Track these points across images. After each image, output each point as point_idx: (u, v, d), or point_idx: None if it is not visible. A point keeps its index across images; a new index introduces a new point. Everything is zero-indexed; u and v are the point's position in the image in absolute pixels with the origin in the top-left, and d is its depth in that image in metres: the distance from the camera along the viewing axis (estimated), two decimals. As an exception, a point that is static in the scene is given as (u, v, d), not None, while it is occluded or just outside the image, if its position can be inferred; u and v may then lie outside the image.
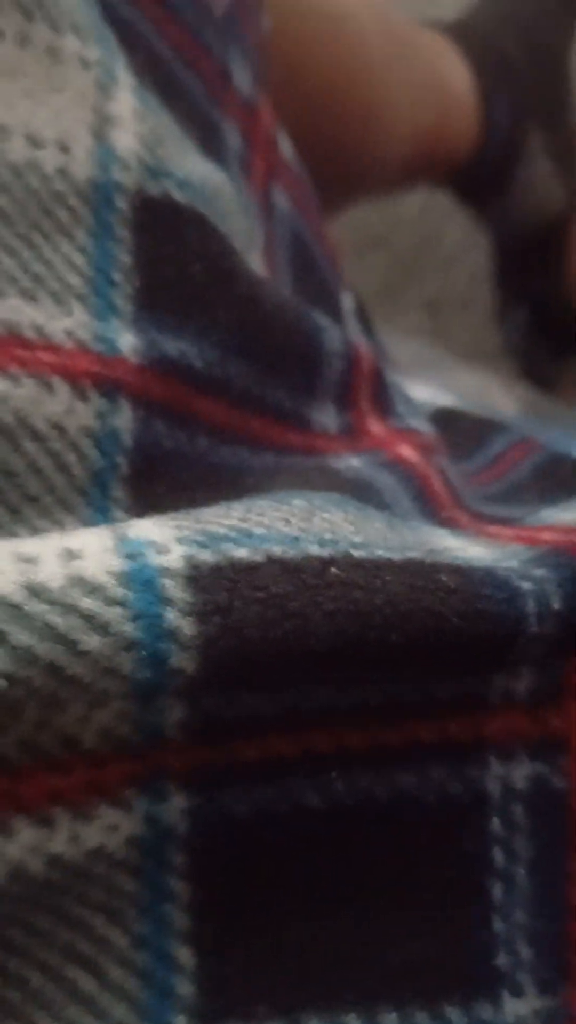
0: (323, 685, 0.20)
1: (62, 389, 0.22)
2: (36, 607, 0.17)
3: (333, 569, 0.19)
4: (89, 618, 0.18)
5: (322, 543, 0.20)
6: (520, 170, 0.68)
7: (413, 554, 0.20)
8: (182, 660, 0.18)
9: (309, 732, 0.20)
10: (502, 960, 0.20)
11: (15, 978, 0.18)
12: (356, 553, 0.20)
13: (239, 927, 0.19)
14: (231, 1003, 0.19)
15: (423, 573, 0.20)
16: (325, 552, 0.19)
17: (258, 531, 0.20)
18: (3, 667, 0.17)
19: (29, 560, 0.18)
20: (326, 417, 0.28)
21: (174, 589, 0.18)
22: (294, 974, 0.19)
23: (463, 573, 0.20)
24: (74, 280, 0.24)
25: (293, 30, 0.49)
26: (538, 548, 0.22)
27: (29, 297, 0.23)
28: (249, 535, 0.19)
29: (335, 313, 0.32)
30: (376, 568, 0.19)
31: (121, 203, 0.25)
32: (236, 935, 0.19)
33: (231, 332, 0.25)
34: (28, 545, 0.18)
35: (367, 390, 0.30)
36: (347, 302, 0.34)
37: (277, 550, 0.19)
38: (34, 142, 0.25)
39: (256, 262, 0.29)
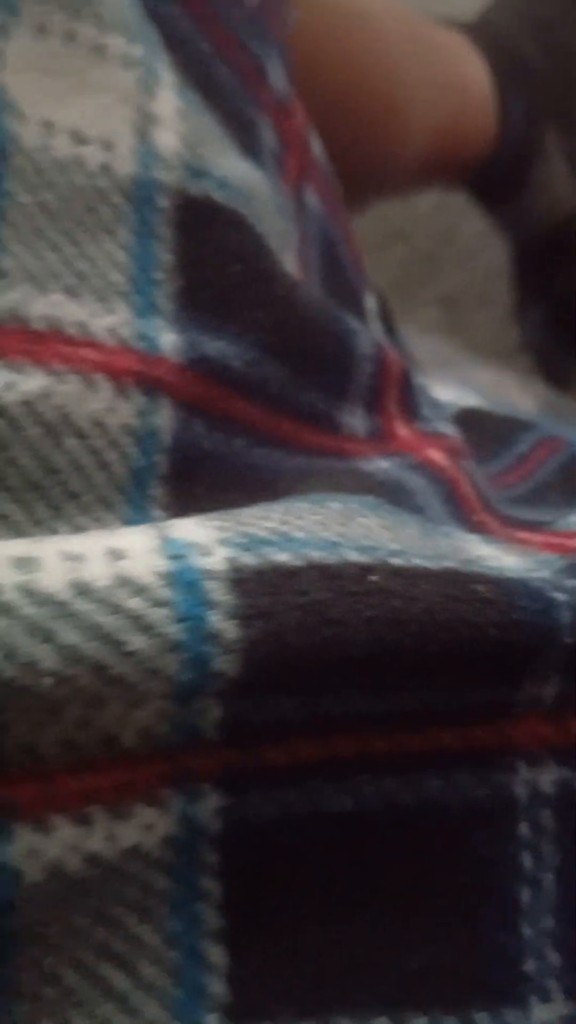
0: (355, 692, 0.20)
1: (104, 387, 0.22)
2: (83, 606, 0.18)
3: (372, 576, 0.19)
4: (135, 619, 0.18)
5: (361, 549, 0.20)
6: (536, 171, 0.68)
7: (449, 563, 0.21)
8: (224, 663, 0.18)
9: (335, 737, 0.20)
10: (530, 966, 0.20)
11: (50, 975, 0.18)
12: (394, 561, 0.20)
13: (270, 927, 0.19)
14: (262, 1003, 0.19)
15: (460, 583, 0.20)
16: (364, 559, 0.20)
17: (298, 535, 0.20)
18: (50, 665, 0.17)
19: (75, 558, 0.18)
20: (355, 420, 0.29)
21: (218, 592, 0.18)
22: (324, 976, 0.19)
23: (499, 584, 0.20)
24: (116, 278, 0.24)
25: (313, 26, 0.49)
26: (570, 557, 0.23)
27: (72, 294, 0.23)
28: (289, 539, 0.20)
29: (360, 315, 0.33)
30: (414, 577, 0.20)
31: (163, 202, 0.25)
32: (267, 935, 0.19)
33: (268, 333, 0.25)
34: (73, 543, 0.19)
35: (395, 394, 0.30)
36: (370, 303, 0.34)
37: (317, 555, 0.19)
38: (78, 139, 0.25)
39: (290, 263, 0.29)
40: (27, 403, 0.22)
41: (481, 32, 0.66)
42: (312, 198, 0.34)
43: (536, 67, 0.68)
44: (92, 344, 0.23)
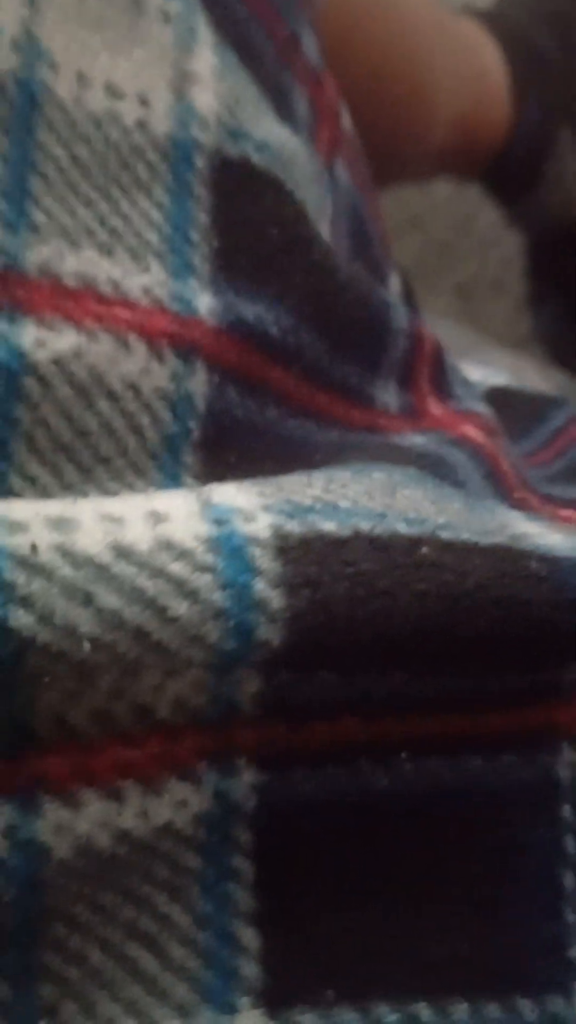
0: (400, 670, 0.19)
1: (139, 348, 0.22)
2: (124, 569, 0.17)
3: (423, 549, 0.19)
4: (179, 584, 0.17)
5: (408, 522, 0.19)
6: (549, 166, 0.67)
7: (498, 539, 0.20)
8: (268, 632, 0.17)
9: (380, 716, 0.19)
10: (574, 952, 0.20)
11: (75, 956, 0.17)
12: (443, 535, 0.19)
13: (304, 909, 0.19)
14: (298, 987, 0.18)
15: (512, 559, 0.19)
16: (413, 531, 0.19)
17: (343, 504, 0.19)
18: (89, 630, 0.16)
19: (114, 520, 0.17)
20: (388, 396, 0.28)
21: (263, 559, 0.18)
22: (362, 960, 0.19)
23: (552, 562, 0.19)
24: (151, 236, 0.23)
25: (344, 8, 0.49)
26: None
27: (105, 251, 0.22)
28: (335, 508, 0.19)
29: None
30: (465, 551, 0.19)
31: (200, 162, 0.24)
32: (302, 917, 0.19)
33: (306, 300, 0.25)
34: (112, 505, 0.18)
35: (428, 371, 0.29)
36: (395, 284, 0.33)
37: (365, 526, 0.19)
38: (114, 93, 0.24)
39: (326, 233, 0.28)
40: (58, 362, 0.21)
41: (497, 23, 0.66)
42: (342, 172, 0.33)
43: (551, 61, 0.67)
44: (126, 303, 0.22)
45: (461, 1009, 0.19)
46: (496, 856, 0.20)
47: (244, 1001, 0.18)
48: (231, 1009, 0.18)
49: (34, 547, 0.17)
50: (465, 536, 0.19)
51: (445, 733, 0.20)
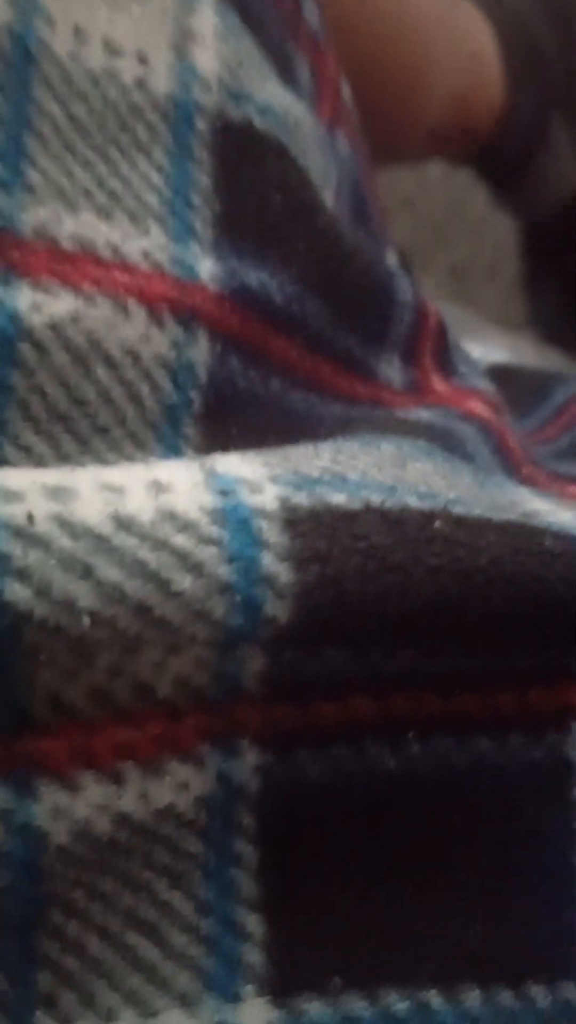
0: (410, 648, 0.18)
1: (138, 313, 0.21)
2: (125, 541, 0.16)
3: (437, 523, 0.18)
4: (182, 556, 0.16)
5: (420, 496, 0.18)
6: (542, 150, 0.67)
7: (510, 516, 0.19)
8: (276, 608, 0.17)
9: (388, 695, 0.19)
10: None
11: (73, 944, 0.17)
12: (456, 509, 0.18)
13: (309, 894, 0.18)
14: (304, 974, 0.17)
15: (526, 536, 0.18)
16: (425, 505, 0.18)
17: (353, 476, 0.18)
18: (88, 603, 0.16)
19: (115, 489, 0.17)
20: (392, 371, 0.27)
21: (270, 532, 0.17)
22: (370, 946, 0.18)
23: (566, 539, 0.19)
24: (151, 199, 0.22)
25: None
26: None
27: (104, 214, 0.21)
28: (344, 480, 0.18)
29: None
30: (479, 527, 0.18)
31: (201, 124, 0.23)
32: (307, 903, 0.18)
33: (310, 268, 0.24)
34: (113, 474, 0.17)
35: (431, 347, 0.29)
36: (392, 260, 0.32)
37: (376, 499, 0.18)
38: (112, 50, 0.23)
39: (329, 201, 0.27)
40: (55, 327, 0.20)
41: (492, 7, 0.65)
42: (343, 144, 0.32)
43: (546, 45, 0.67)
44: (125, 267, 0.21)
45: (472, 996, 0.18)
46: (506, 840, 0.19)
47: (248, 989, 0.17)
48: (235, 998, 0.17)
49: (31, 517, 0.16)
50: (477, 511, 0.19)
51: (454, 713, 0.19)
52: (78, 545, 0.16)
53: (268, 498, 0.17)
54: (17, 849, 0.16)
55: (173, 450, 0.21)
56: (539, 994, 0.18)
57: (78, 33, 0.23)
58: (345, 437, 0.21)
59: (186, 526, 0.16)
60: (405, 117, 0.57)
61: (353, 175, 0.32)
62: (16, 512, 0.16)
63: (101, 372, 0.20)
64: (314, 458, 0.19)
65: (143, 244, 0.22)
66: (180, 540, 0.16)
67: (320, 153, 0.28)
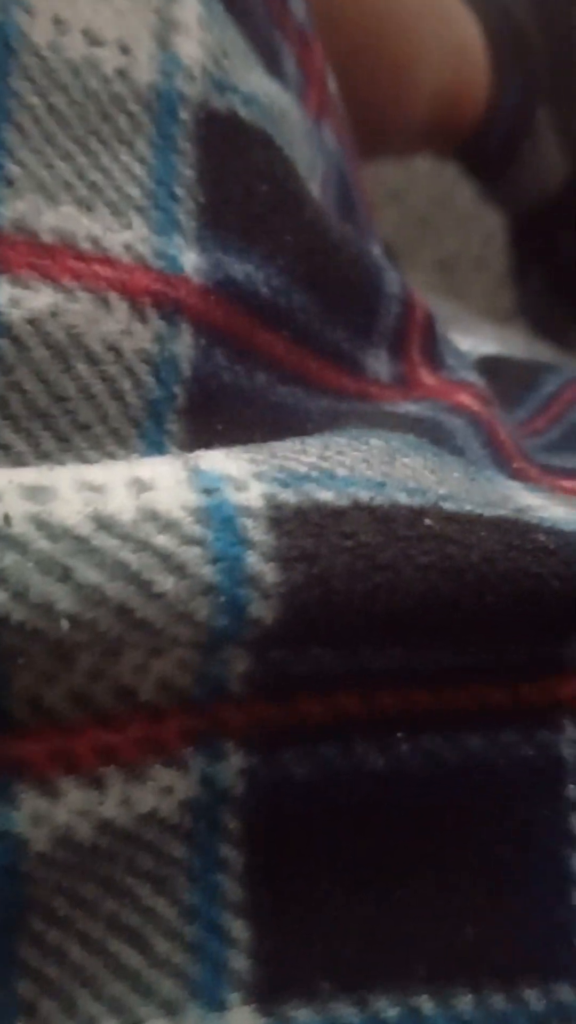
0: (400, 646, 0.18)
1: (120, 307, 0.20)
2: (105, 541, 0.16)
3: (426, 520, 0.17)
4: (164, 557, 0.16)
5: (409, 492, 0.18)
6: (527, 143, 0.67)
7: (502, 511, 0.19)
8: (262, 609, 0.16)
9: (376, 692, 0.18)
10: None
11: (54, 951, 0.16)
12: (446, 506, 0.18)
13: (297, 898, 0.18)
14: (291, 979, 0.17)
15: (519, 532, 0.18)
16: (415, 502, 0.18)
17: (340, 472, 0.18)
18: (67, 606, 0.15)
19: (94, 488, 0.16)
20: (379, 365, 0.27)
21: (255, 531, 0.17)
22: (359, 950, 0.18)
23: (559, 535, 0.18)
24: (133, 191, 0.22)
25: None
26: None
27: (85, 207, 0.21)
28: (332, 476, 0.18)
29: None
30: (470, 523, 0.18)
31: (184, 114, 0.23)
32: (293, 907, 0.18)
33: (297, 260, 0.23)
34: (93, 472, 0.17)
35: (419, 340, 0.28)
36: (377, 252, 0.32)
37: (364, 495, 0.18)
38: (92, 39, 0.22)
39: (316, 192, 0.27)
40: (34, 321, 0.20)
41: (479, 0, 0.65)
42: (329, 136, 0.32)
43: (531, 36, 0.66)
44: (107, 260, 0.21)
45: (465, 1001, 0.18)
46: (498, 839, 0.19)
47: (234, 996, 0.17)
48: (221, 1005, 0.17)
49: (7, 518, 0.16)
50: (468, 507, 0.18)
51: (443, 709, 0.19)
52: (56, 547, 0.15)
53: (253, 496, 0.17)
54: None
55: (156, 447, 0.21)
56: (533, 997, 0.18)
57: (58, 23, 0.22)
58: (333, 432, 0.21)
59: (168, 525, 0.16)
60: (391, 110, 0.57)
61: (339, 168, 0.32)
62: None
63: (82, 368, 0.20)
64: (301, 454, 0.18)
65: (125, 237, 0.21)
66: (162, 540, 0.16)
67: (306, 145, 0.27)
